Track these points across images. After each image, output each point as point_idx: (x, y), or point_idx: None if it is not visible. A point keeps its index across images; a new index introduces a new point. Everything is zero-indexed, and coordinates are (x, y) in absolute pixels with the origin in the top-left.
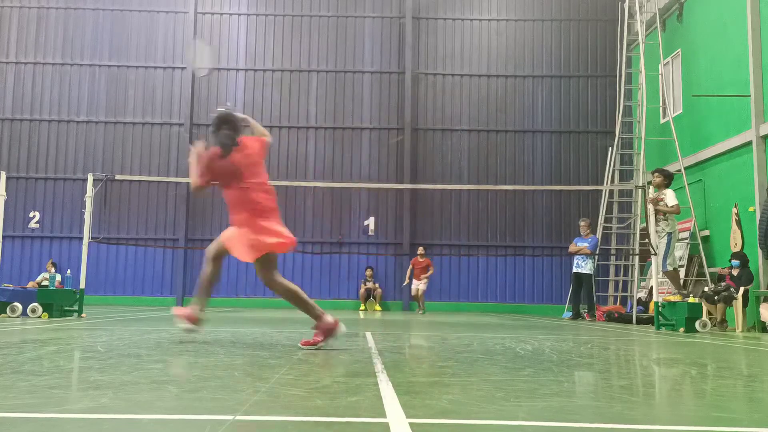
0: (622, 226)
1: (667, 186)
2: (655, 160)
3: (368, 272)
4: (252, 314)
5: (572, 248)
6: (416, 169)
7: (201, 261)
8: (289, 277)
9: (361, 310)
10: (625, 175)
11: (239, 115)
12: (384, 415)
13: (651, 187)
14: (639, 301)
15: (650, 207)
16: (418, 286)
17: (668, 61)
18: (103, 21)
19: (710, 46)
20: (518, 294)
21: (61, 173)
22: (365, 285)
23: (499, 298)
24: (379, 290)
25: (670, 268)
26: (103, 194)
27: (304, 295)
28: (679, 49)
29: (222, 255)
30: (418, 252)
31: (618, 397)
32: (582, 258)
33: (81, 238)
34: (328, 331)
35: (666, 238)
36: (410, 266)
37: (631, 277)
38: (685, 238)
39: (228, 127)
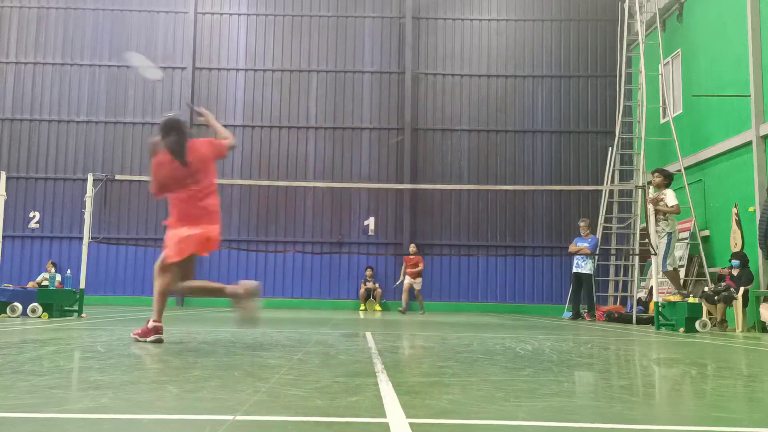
0: (622, 226)
1: (667, 186)
2: (655, 160)
3: (368, 272)
4: None
5: (572, 248)
6: (416, 169)
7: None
8: (289, 277)
9: (361, 310)
10: (625, 175)
11: (205, 111)
12: (384, 415)
13: (651, 187)
14: (639, 301)
15: (650, 207)
16: (413, 284)
17: (668, 61)
18: (103, 21)
19: (710, 46)
20: (518, 294)
21: (61, 173)
22: (365, 285)
23: (499, 298)
24: (379, 290)
25: (670, 268)
26: (103, 194)
27: (210, 283)
28: (679, 49)
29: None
30: (410, 250)
31: (618, 397)
32: (582, 258)
33: (81, 238)
34: (246, 294)
35: (666, 238)
36: (403, 264)
37: (631, 277)
38: (685, 238)
39: (175, 133)
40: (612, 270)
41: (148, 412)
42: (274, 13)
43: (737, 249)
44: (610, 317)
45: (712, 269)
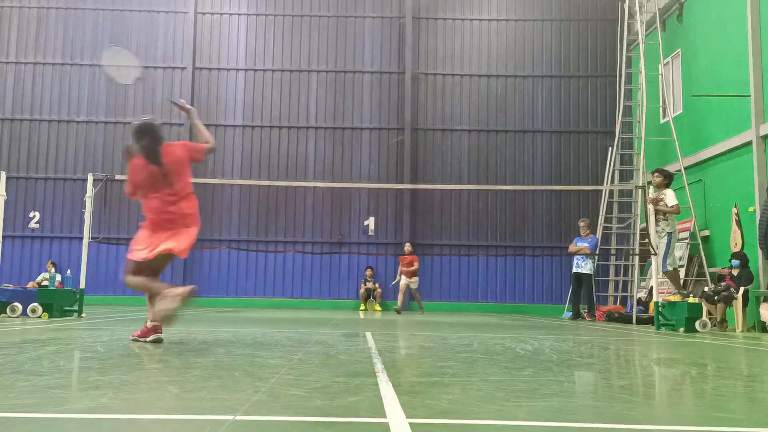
0: (622, 226)
1: (667, 186)
2: (655, 160)
3: (368, 272)
4: (252, 314)
5: (572, 248)
6: (416, 169)
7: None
8: (289, 277)
9: (361, 310)
10: (625, 175)
11: (188, 107)
12: (384, 415)
13: (651, 187)
14: (639, 301)
15: (650, 207)
16: (409, 284)
17: (668, 61)
18: (103, 21)
19: (710, 46)
20: (518, 294)
21: (61, 173)
22: (365, 285)
23: (499, 298)
24: (379, 290)
25: (670, 268)
26: (103, 194)
27: (155, 283)
28: (679, 49)
29: (141, 271)
30: (405, 249)
31: (618, 397)
32: (582, 258)
33: (81, 238)
34: (176, 296)
35: (666, 238)
36: (399, 264)
37: (631, 277)
38: (685, 238)
39: (148, 137)
40: (612, 270)
41: (148, 412)
42: (274, 13)
43: (737, 249)
44: (610, 317)
45: (712, 269)
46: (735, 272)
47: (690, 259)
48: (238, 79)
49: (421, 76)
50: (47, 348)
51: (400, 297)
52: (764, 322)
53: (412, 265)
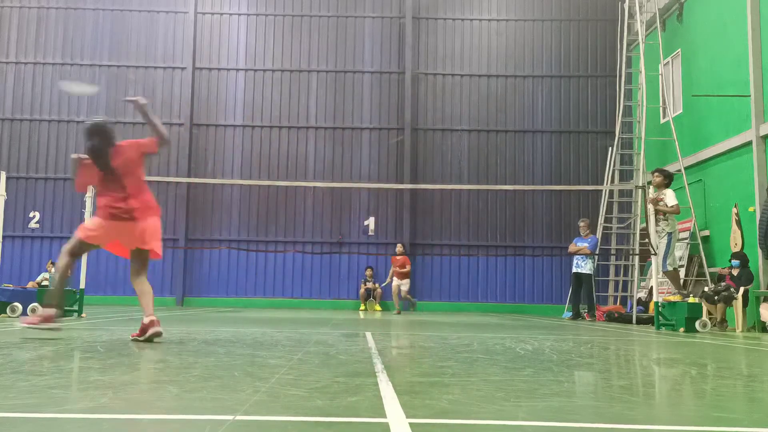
0: (622, 226)
1: (667, 186)
2: (655, 160)
3: (368, 272)
4: (252, 314)
5: (572, 248)
6: (416, 169)
7: (201, 261)
8: (289, 277)
9: (361, 310)
10: (625, 175)
11: (141, 102)
12: (384, 415)
13: (651, 187)
14: (639, 301)
15: (650, 207)
16: (400, 285)
17: (668, 61)
18: (103, 21)
19: (710, 46)
20: (518, 294)
21: (61, 173)
22: (365, 285)
23: (499, 298)
24: (379, 290)
25: (670, 268)
26: None
27: (65, 276)
28: (679, 49)
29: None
30: (397, 250)
31: (618, 397)
32: (582, 258)
33: None
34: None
35: (666, 238)
36: (391, 265)
37: (631, 277)
38: (685, 238)
39: (98, 139)
40: (612, 270)
41: (148, 412)
42: (274, 13)
43: (737, 249)
44: (610, 317)
45: (712, 269)
46: (735, 272)
47: (690, 259)
48: (238, 79)
49: (421, 76)
50: (47, 348)
51: (395, 300)
52: (764, 322)
53: (405, 267)
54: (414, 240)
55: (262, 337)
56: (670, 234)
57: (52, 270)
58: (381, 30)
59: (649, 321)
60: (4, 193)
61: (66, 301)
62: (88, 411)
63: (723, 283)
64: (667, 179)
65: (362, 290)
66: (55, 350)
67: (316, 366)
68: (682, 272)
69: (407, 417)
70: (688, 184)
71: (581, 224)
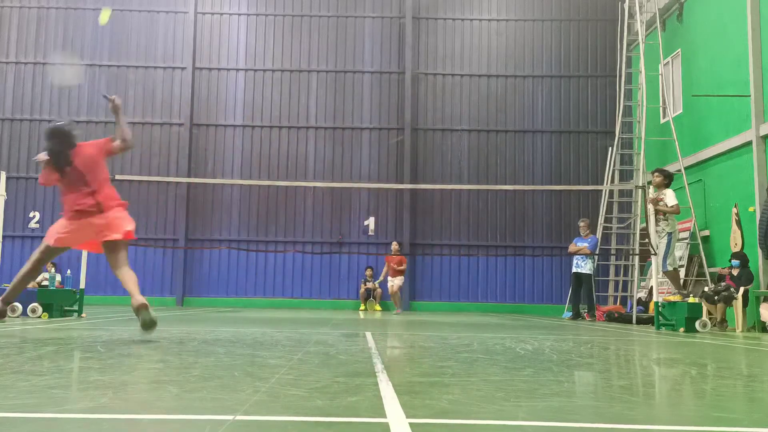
0: (622, 226)
1: (667, 186)
2: (655, 160)
3: (368, 272)
4: (252, 314)
5: (572, 248)
6: (416, 169)
7: (201, 261)
8: (289, 277)
9: (361, 310)
10: (625, 175)
11: (117, 102)
12: (384, 415)
13: (651, 187)
14: (639, 301)
15: (650, 207)
16: (393, 282)
17: (668, 61)
18: None
19: (710, 46)
20: (518, 294)
21: None
22: (365, 285)
23: (499, 298)
24: (379, 290)
25: (670, 268)
26: None
27: (20, 284)
28: (679, 49)
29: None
30: (393, 248)
31: (618, 397)
32: (581, 258)
33: None
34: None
35: (666, 238)
36: (386, 264)
37: (631, 277)
38: (685, 238)
39: (57, 141)
40: (612, 270)
41: (148, 412)
42: (274, 13)
43: (737, 249)
44: (610, 317)
45: (712, 269)
46: (735, 272)
47: (690, 259)
48: (238, 79)
49: (421, 76)
50: (47, 348)
51: (395, 300)
52: (764, 322)
53: (401, 265)
54: (414, 240)
55: (262, 337)
56: (670, 234)
57: (52, 270)
58: (381, 30)
59: (649, 321)
60: (4, 193)
61: (65, 301)
62: (88, 411)
63: (723, 283)
64: (667, 179)
65: (362, 290)
66: (55, 350)
67: (316, 366)
68: (682, 272)
69: (407, 417)
70: (688, 184)
71: (581, 224)
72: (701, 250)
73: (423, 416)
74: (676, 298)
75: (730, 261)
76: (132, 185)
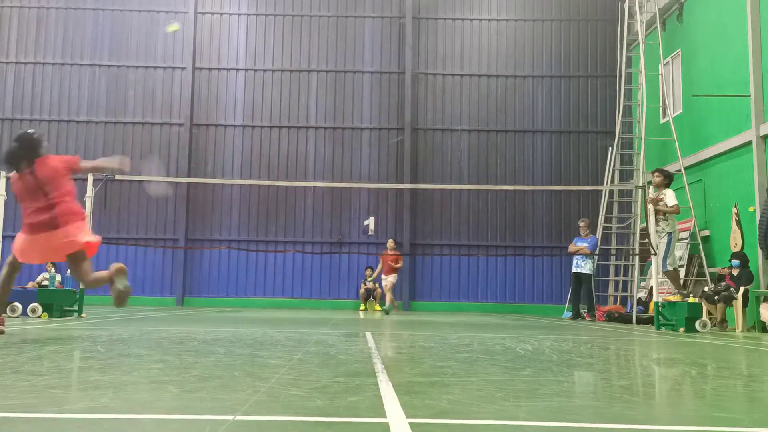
0: (622, 226)
1: (667, 186)
2: (655, 160)
3: (368, 272)
4: (252, 314)
5: (572, 248)
6: (416, 169)
7: (201, 261)
8: (289, 277)
9: (361, 310)
10: (625, 175)
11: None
12: (384, 415)
13: (651, 187)
14: (639, 301)
15: (650, 207)
16: (387, 280)
17: (668, 61)
18: (103, 21)
19: (710, 46)
20: (518, 294)
21: None
22: (365, 285)
23: (499, 298)
24: (379, 290)
25: (670, 268)
26: (103, 194)
27: (4, 292)
28: (679, 49)
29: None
30: (388, 245)
31: (618, 397)
32: (581, 258)
33: None
34: None
35: (666, 238)
36: (380, 263)
37: (631, 277)
38: (685, 238)
39: (17, 145)
40: (612, 270)
41: (148, 412)
42: (274, 13)
43: (737, 249)
44: (610, 317)
45: (712, 269)
46: (735, 272)
47: (690, 259)
48: (238, 79)
49: (421, 76)
50: (47, 348)
51: (389, 296)
52: (764, 322)
53: (398, 263)
54: (414, 240)
55: (262, 337)
56: (670, 234)
57: (52, 270)
58: (381, 30)
59: (649, 321)
60: (4, 193)
61: (65, 301)
62: (88, 411)
63: (723, 283)
64: (667, 179)
65: (362, 290)
66: (55, 350)
67: (316, 366)
68: (682, 272)
69: (407, 417)
70: (688, 184)
71: (581, 224)
72: (701, 250)
73: (423, 416)
74: (676, 298)
75: (730, 261)
76: (132, 185)
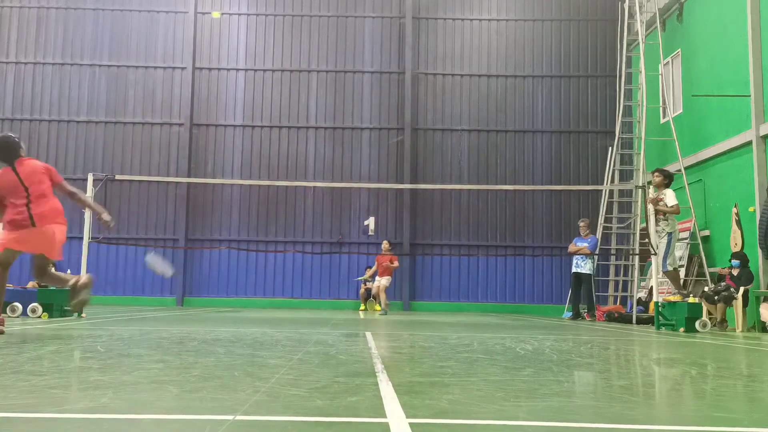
0: (622, 226)
1: (667, 186)
2: (655, 160)
3: (368, 272)
4: (252, 314)
5: (572, 248)
6: (416, 169)
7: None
8: (289, 277)
9: (361, 310)
10: (625, 175)
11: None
12: (384, 415)
13: (651, 187)
14: (639, 301)
15: (650, 207)
16: (380, 282)
17: (668, 61)
18: (103, 21)
19: (710, 46)
20: (518, 294)
21: (61, 173)
22: (365, 285)
23: (499, 298)
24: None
25: (670, 268)
26: (104, 194)
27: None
28: (679, 49)
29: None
30: (383, 246)
31: (618, 397)
32: (581, 258)
33: (81, 238)
34: None
35: (666, 238)
36: (375, 264)
37: (631, 277)
38: (685, 238)
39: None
40: (612, 270)
41: (148, 412)
42: (274, 13)
43: (737, 249)
44: (610, 317)
45: (712, 269)
46: (735, 272)
47: (690, 259)
48: (238, 79)
49: (421, 76)
50: (47, 348)
51: (382, 298)
52: (764, 322)
53: (393, 263)
54: (414, 240)
55: (262, 337)
56: (670, 234)
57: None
58: (381, 30)
59: (649, 321)
60: None
61: (65, 301)
62: (88, 411)
63: (723, 283)
64: (667, 179)
65: (362, 290)
66: (55, 350)
67: (316, 366)
68: (682, 272)
69: (407, 417)
70: (688, 184)
71: (581, 224)
72: (701, 250)
73: (423, 416)
74: (676, 298)
75: (730, 261)
76: (132, 185)
